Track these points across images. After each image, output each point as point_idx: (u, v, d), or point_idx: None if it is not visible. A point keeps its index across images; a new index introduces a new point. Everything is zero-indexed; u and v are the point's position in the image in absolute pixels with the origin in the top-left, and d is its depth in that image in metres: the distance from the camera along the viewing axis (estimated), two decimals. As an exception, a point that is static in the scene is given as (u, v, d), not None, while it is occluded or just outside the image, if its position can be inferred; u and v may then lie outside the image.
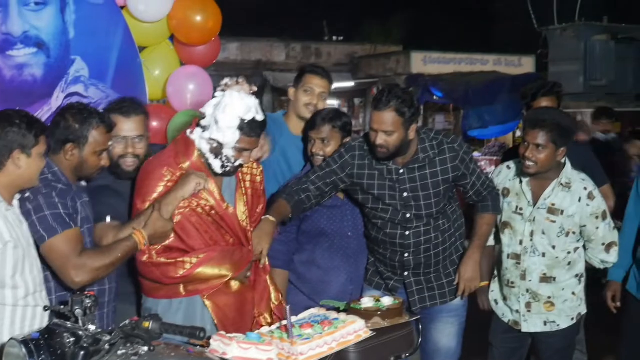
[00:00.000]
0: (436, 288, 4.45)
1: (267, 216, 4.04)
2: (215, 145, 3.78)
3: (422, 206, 4.27)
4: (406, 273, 4.44)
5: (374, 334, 3.45)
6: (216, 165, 3.82)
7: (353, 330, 3.37)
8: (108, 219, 3.84)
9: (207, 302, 3.85)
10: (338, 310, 3.69)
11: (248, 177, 4.09)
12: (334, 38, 31.45)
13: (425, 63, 23.97)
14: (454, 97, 15.68)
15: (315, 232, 4.46)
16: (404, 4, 33.85)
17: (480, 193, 4.41)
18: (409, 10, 33.37)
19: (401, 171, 4.25)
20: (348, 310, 3.65)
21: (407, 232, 4.32)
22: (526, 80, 11.39)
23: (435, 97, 16.52)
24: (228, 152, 3.78)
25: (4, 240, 3.28)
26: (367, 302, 3.70)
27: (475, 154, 16.89)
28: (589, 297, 4.70)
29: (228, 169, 3.84)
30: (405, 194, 4.26)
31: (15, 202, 3.46)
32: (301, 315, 3.62)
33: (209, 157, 3.82)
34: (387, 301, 3.71)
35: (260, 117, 3.78)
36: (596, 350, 5.94)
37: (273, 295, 4.11)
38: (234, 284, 3.93)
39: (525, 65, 24.49)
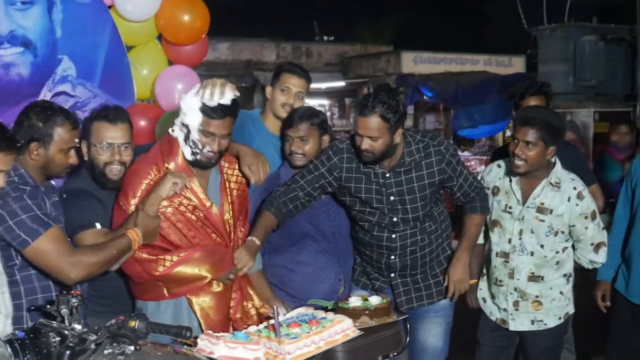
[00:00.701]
0: (423, 289, 4.45)
1: (253, 238, 3.97)
2: (185, 131, 3.83)
3: (409, 209, 4.27)
4: (393, 274, 4.43)
5: (362, 333, 3.45)
6: (187, 152, 3.85)
7: (341, 330, 3.37)
8: (98, 225, 3.81)
9: (192, 302, 3.86)
10: (326, 309, 3.69)
11: (233, 179, 4.09)
12: (325, 38, 31.46)
13: (415, 63, 24.00)
14: (444, 97, 15.68)
15: (298, 234, 4.40)
16: (394, 5, 33.90)
17: (467, 194, 4.40)
18: (400, 11, 33.44)
19: (387, 175, 4.24)
20: (336, 310, 3.64)
21: (393, 235, 4.32)
22: (515, 80, 11.42)
23: (425, 97, 16.52)
24: (194, 135, 3.80)
25: None
26: (354, 301, 3.70)
27: (465, 153, 16.95)
28: (578, 297, 4.70)
29: (198, 156, 3.84)
30: (392, 198, 4.25)
31: None
32: (289, 315, 3.61)
33: (182, 145, 3.85)
34: (375, 300, 3.71)
35: (224, 100, 3.79)
36: (584, 350, 5.95)
37: (256, 299, 4.09)
38: (216, 286, 3.92)
39: (516, 65, 24.55)
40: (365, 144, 4.05)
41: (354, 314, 3.56)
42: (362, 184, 4.27)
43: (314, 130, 4.37)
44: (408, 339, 3.86)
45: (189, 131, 3.81)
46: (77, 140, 3.73)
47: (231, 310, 3.99)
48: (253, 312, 4.05)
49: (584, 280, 5.04)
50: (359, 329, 3.45)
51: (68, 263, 3.39)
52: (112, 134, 3.89)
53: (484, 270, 4.77)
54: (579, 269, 4.68)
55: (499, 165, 4.66)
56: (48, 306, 3.01)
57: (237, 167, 4.13)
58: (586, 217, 4.41)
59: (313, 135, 4.37)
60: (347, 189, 4.30)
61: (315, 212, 4.43)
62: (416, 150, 4.23)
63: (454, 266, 4.37)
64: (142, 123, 5.36)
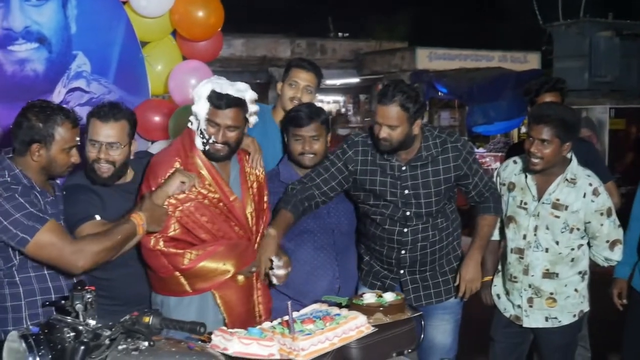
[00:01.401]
0: (431, 287, 4.43)
1: (271, 230, 4.01)
2: (196, 120, 3.87)
3: (422, 204, 4.26)
4: (402, 271, 4.42)
5: (376, 329, 3.44)
6: (198, 142, 3.88)
7: (355, 326, 3.36)
8: (97, 217, 3.81)
9: (216, 296, 3.89)
10: (340, 305, 3.68)
11: (254, 172, 4.14)
12: (339, 34, 31.43)
13: (430, 59, 23.94)
14: (459, 93, 15.64)
15: (297, 230, 4.35)
16: (409, 1, 33.82)
17: (482, 194, 4.40)
18: (414, 7, 33.34)
19: (403, 168, 4.24)
20: (350, 306, 3.63)
21: (405, 230, 4.31)
22: (530, 77, 11.39)
23: (440, 94, 16.50)
24: (202, 125, 3.84)
25: None
26: (369, 298, 3.68)
27: (480, 150, 16.91)
28: (594, 294, 4.68)
29: (206, 147, 3.87)
30: (406, 191, 4.25)
31: None
32: (303, 311, 3.60)
33: (197, 136, 3.88)
34: (389, 297, 3.69)
35: (230, 90, 3.81)
36: (600, 347, 5.92)
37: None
38: (240, 279, 3.96)
39: (531, 61, 24.46)
40: (384, 133, 4.07)
41: (368, 310, 3.55)
42: (377, 177, 4.27)
43: (323, 129, 4.36)
44: (422, 336, 3.84)
45: (198, 121, 3.86)
46: (78, 138, 3.70)
47: (259, 306, 4.06)
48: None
49: (600, 277, 5.01)
50: (373, 326, 3.44)
51: (71, 252, 3.41)
52: (101, 132, 3.83)
53: (499, 267, 4.75)
54: (595, 266, 4.66)
55: (515, 162, 4.65)
56: (62, 301, 3.02)
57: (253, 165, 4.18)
58: (602, 214, 4.38)
59: (322, 133, 4.35)
60: (361, 182, 4.30)
61: (315, 211, 4.37)
62: (433, 145, 4.24)
63: (465, 265, 4.36)
64: (156, 118, 5.37)
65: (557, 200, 4.39)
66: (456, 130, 22.43)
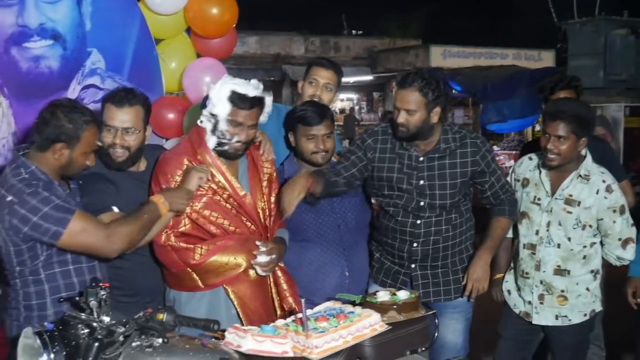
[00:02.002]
0: (442, 284, 4.42)
1: (304, 171, 4.09)
2: (212, 121, 3.87)
3: (437, 195, 4.26)
4: (413, 265, 4.41)
5: (390, 327, 3.43)
6: (212, 142, 3.89)
7: (368, 324, 3.35)
8: (115, 209, 3.82)
9: (229, 291, 3.90)
10: (354, 303, 3.67)
11: (266, 165, 4.16)
12: (353, 32, 31.44)
13: (444, 57, 23.94)
14: (473, 91, 15.59)
15: (302, 228, 4.37)
16: (422, -2, 33.77)
17: (498, 196, 4.39)
18: (429, 4, 33.26)
19: (421, 159, 4.26)
20: (364, 304, 3.63)
21: (418, 221, 4.31)
22: (545, 74, 11.32)
23: (453, 91, 16.43)
24: (222, 125, 3.85)
25: None
26: (382, 296, 3.67)
27: (494, 148, 16.85)
28: (609, 293, 4.65)
29: (226, 147, 3.89)
30: (421, 182, 4.26)
31: None
32: (317, 308, 3.60)
33: (209, 136, 3.89)
34: (403, 295, 3.68)
35: (252, 91, 3.84)
36: (614, 346, 5.90)
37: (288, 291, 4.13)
38: (252, 273, 3.96)
39: (545, 59, 24.40)
40: (402, 118, 4.12)
41: (381, 308, 3.54)
42: (395, 164, 4.30)
43: (333, 126, 4.38)
44: (437, 335, 3.82)
45: (217, 121, 3.85)
46: (99, 143, 3.74)
47: (279, 301, 4.08)
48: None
49: (615, 276, 4.99)
50: (386, 324, 3.43)
51: (105, 235, 3.44)
52: (116, 117, 3.86)
53: (512, 264, 4.73)
54: (609, 265, 4.64)
55: (530, 158, 4.65)
56: (77, 297, 3.03)
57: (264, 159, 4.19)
58: (614, 211, 4.36)
59: (332, 130, 4.38)
60: (378, 170, 4.33)
61: (320, 206, 4.38)
62: (452, 139, 4.26)
63: (474, 265, 4.34)
64: (171, 116, 5.39)
65: (570, 196, 4.38)
66: (470, 128, 22.39)
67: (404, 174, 4.28)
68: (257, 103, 3.88)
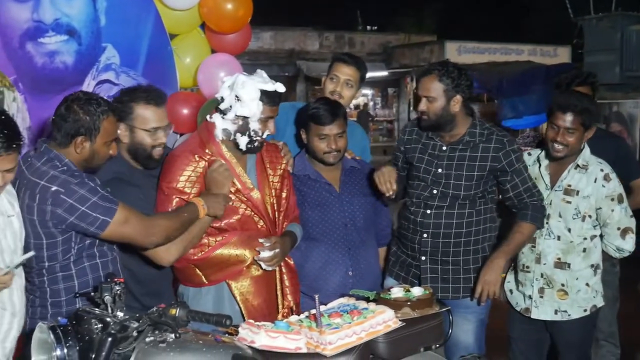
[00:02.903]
0: (451, 281, 4.37)
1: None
2: (241, 122, 3.86)
3: (451, 185, 4.26)
4: (423, 257, 4.38)
5: (404, 324, 3.42)
6: (243, 142, 3.89)
7: (382, 321, 3.34)
8: None
9: (232, 286, 3.92)
10: (367, 299, 3.66)
11: (269, 163, 4.14)
12: (368, 27, 31.42)
13: (459, 53, 23.91)
14: (488, 87, 15.55)
15: (308, 225, 4.35)
16: (437, -7, 33.70)
17: (521, 199, 4.32)
18: (443, 0, 33.22)
19: (444, 148, 4.32)
20: (377, 300, 3.62)
21: (428, 211, 4.32)
22: (561, 70, 11.27)
23: (469, 87, 16.36)
24: (254, 125, 3.86)
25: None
26: (396, 292, 3.67)
27: (509, 144, 16.78)
28: (624, 291, 4.63)
29: (256, 143, 3.92)
30: (439, 170, 4.30)
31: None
32: (330, 305, 3.60)
33: (237, 137, 3.89)
34: (417, 291, 3.67)
35: (277, 86, 3.88)
36: (629, 344, 5.87)
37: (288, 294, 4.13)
38: (255, 270, 3.96)
39: (561, 55, 24.31)
40: (423, 105, 4.25)
41: (395, 305, 3.53)
42: (417, 153, 4.41)
43: (345, 124, 4.35)
44: (450, 331, 3.80)
45: (247, 122, 3.86)
46: (119, 131, 3.75)
47: (284, 298, 4.06)
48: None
49: (629, 274, 4.96)
50: (400, 320, 3.42)
51: (147, 226, 3.51)
52: (160, 117, 3.91)
53: (512, 263, 4.70)
54: (623, 264, 4.61)
55: (529, 154, 4.68)
56: (92, 293, 3.03)
57: (275, 151, 4.22)
58: (612, 199, 4.36)
59: (345, 129, 4.34)
60: (409, 160, 4.48)
61: (328, 204, 4.37)
62: (479, 134, 4.29)
63: (486, 267, 4.27)
64: (185, 111, 5.38)
65: (569, 186, 4.41)
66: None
67: (424, 162, 4.35)
68: (280, 99, 3.96)
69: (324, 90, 4.71)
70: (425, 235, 4.34)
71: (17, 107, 4.68)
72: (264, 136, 3.92)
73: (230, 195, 3.91)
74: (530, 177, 4.37)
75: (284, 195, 4.13)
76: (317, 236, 4.35)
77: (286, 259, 4.10)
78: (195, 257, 3.83)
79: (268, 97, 3.84)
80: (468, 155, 4.26)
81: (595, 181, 4.36)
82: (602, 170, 4.39)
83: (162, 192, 3.87)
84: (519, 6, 34.48)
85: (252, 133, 3.87)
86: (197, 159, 3.88)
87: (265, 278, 4.00)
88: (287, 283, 4.09)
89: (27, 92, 4.74)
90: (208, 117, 3.96)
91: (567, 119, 4.27)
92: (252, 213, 3.97)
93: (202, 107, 5.24)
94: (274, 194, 4.07)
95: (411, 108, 25.25)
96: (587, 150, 4.45)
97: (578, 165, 4.40)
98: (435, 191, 4.30)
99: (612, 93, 16.35)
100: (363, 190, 4.47)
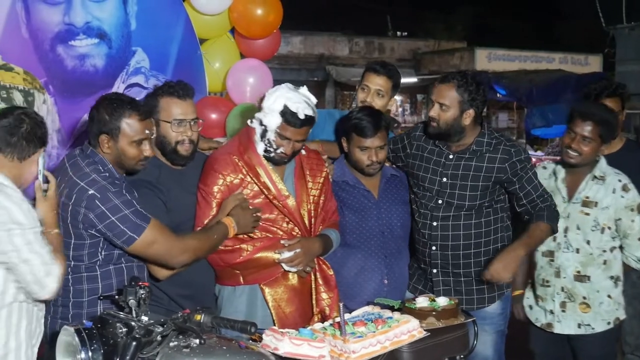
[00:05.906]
0: (464, 292, 4.30)
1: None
2: (262, 128, 3.87)
3: (455, 195, 4.23)
4: (435, 270, 4.34)
5: (428, 334, 3.40)
6: (260, 147, 3.90)
7: (407, 330, 3.33)
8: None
9: (265, 292, 3.91)
10: (392, 309, 3.65)
11: (309, 170, 4.12)
12: (397, 33, 31.37)
13: (489, 60, 23.80)
14: (518, 95, 15.52)
15: (346, 232, 4.32)
16: (468, 0, 33.60)
17: (535, 205, 4.25)
18: (474, 6, 33.12)
19: (450, 157, 4.27)
20: (402, 310, 3.60)
21: (434, 223, 4.28)
22: (591, 80, 11.19)
23: (498, 95, 16.34)
24: (270, 135, 3.84)
25: None
26: (421, 302, 3.65)
27: (538, 153, 16.67)
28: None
29: (271, 154, 3.89)
30: (444, 179, 4.25)
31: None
32: (355, 313, 3.59)
33: (257, 139, 3.90)
34: (442, 301, 3.65)
35: (306, 110, 3.80)
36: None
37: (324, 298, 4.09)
38: (292, 278, 3.97)
39: (592, 64, 24.13)
40: (434, 111, 4.18)
41: (420, 314, 3.52)
42: (423, 163, 4.34)
43: (387, 135, 4.33)
44: (475, 342, 3.77)
45: (265, 130, 3.85)
46: (148, 131, 3.62)
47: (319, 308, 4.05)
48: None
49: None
50: (425, 330, 3.41)
51: (178, 249, 3.51)
52: (183, 110, 3.85)
53: (530, 280, 4.65)
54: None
55: (544, 167, 4.65)
56: (117, 296, 3.04)
57: (318, 160, 4.19)
58: (632, 210, 4.31)
59: (386, 140, 4.32)
60: (411, 166, 4.40)
61: (366, 211, 4.35)
62: (487, 144, 4.22)
63: (504, 252, 4.10)
64: (214, 116, 5.39)
65: (587, 197, 4.36)
66: (514, 132, 22.23)
67: (429, 172, 4.30)
68: (307, 123, 3.86)
69: (357, 98, 4.69)
70: (434, 247, 4.31)
71: (47, 109, 4.71)
72: (278, 151, 3.87)
73: (266, 202, 3.91)
74: (541, 184, 4.31)
75: (321, 201, 4.12)
76: (353, 243, 4.32)
77: (324, 268, 4.09)
78: (235, 262, 3.84)
79: (289, 116, 3.79)
80: (474, 165, 4.21)
81: (613, 192, 4.32)
82: (620, 180, 4.35)
83: (201, 195, 3.90)
84: (551, 14, 34.31)
85: (267, 142, 3.86)
86: (235, 163, 3.89)
87: (301, 287, 4.00)
88: (323, 295, 4.06)
89: (57, 94, 4.77)
90: (249, 121, 3.95)
91: (586, 127, 4.24)
92: (287, 220, 3.96)
93: (231, 112, 5.25)
94: (311, 201, 4.05)
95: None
96: (603, 161, 4.42)
97: (595, 177, 4.36)
98: (440, 201, 4.26)
99: (643, 103, 16.22)
100: (402, 198, 4.45)
